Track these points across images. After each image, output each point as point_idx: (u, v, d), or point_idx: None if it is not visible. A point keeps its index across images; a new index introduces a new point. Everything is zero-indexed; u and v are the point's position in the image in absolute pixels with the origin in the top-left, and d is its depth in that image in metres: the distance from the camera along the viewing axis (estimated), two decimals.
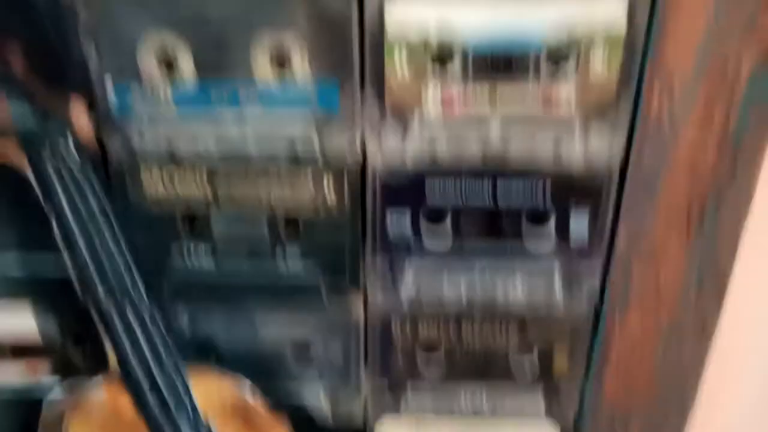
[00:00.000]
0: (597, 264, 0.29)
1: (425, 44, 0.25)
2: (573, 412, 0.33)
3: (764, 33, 0.24)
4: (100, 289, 0.29)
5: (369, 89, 0.26)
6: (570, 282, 0.29)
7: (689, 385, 0.32)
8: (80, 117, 0.26)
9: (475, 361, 0.32)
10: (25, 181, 0.28)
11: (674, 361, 0.31)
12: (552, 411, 0.33)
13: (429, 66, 0.25)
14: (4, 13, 0.24)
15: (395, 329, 0.31)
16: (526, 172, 0.27)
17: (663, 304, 0.30)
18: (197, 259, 0.29)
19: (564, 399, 0.32)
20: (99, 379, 0.31)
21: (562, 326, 0.30)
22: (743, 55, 0.25)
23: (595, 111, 0.26)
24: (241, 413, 0.33)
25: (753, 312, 0.31)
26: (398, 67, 0.25)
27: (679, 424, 0.33)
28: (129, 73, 0.26)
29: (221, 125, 0.27)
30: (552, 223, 0.28)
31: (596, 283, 0.29)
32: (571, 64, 0.25)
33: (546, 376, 0.32)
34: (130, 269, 0.29)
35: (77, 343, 0.33)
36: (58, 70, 0.26)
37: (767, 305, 0.31)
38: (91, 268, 0.29)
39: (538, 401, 0.33)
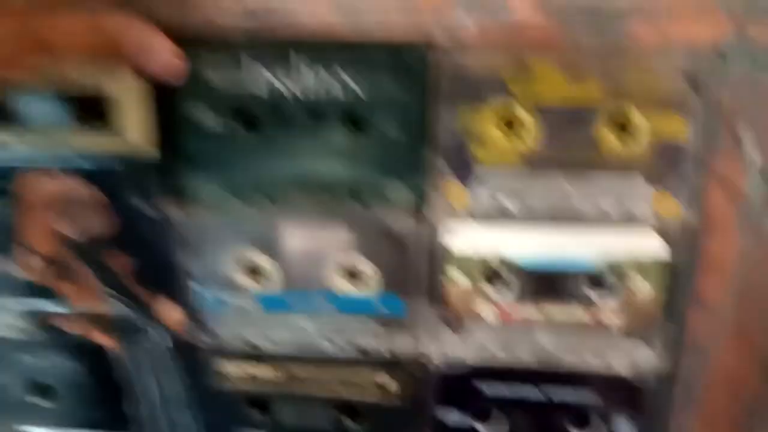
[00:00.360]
0: None
1: (481, 264, 0.28)
2: None
3: None
4: None
5: (430, 299, 0.29)
6: None
7: None
8: (172, 313, 0.30)
9: None
10: (112, 361, 0.31)
11: None
12: None
13: (484, 282, 0.28)
14: (120, 236, 0.28)
15: None
16: (574, 376, 0.30)
17: None
18: None
19: None
20: None
21: None
22: None
23: (638, 328, 0.28)
24: None
25: None
26: (456, 282, 0.28)
27: None
28: (218, 281, 0.29)
29: (297, 325, 0.30)
30: (598, 423, 0.30)
31: None
32: (614, 287, 0.28)
33: None
34: None
35: None
36: (158, 276, 0.29)
37: None
38: None
39: None
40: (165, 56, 0.24)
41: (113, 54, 0.23)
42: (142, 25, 0.24)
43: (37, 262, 0.29)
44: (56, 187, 0.28)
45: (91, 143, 0.27)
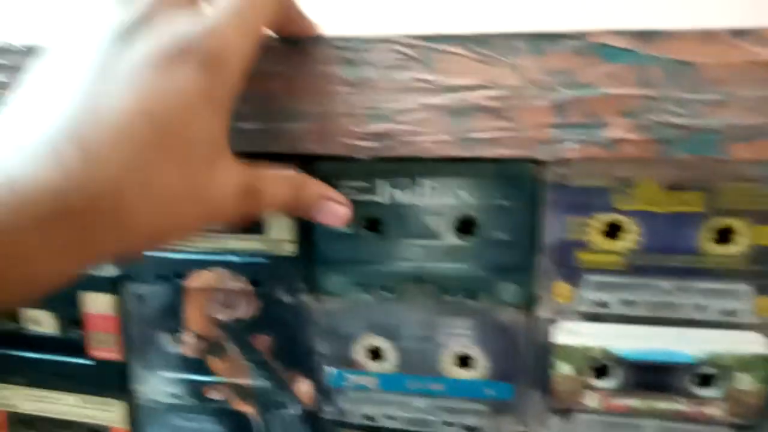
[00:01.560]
0: None
1: (586, 357, 0.30)
2: None
3: None
4: None
5: (538, 387, 0.31)
6: None
7: None
8: (304, 387, 0.34)
9: None
10: (252, 426, 0.36)
11: None
12: None
13: (589, 374, 0.30)
14: (262, 319, 0.33)
15: None
16: None
17: None
18: None
19: None
20: None
21: None
22: None
23: (744, 420, 0.29)
24: None
25: None
26: (562, 373, 0.31)
27: None
28: (344, 360, 0.33)
29: (412, 404, 0.33)
30: None
31: None
32: (718, 383, 0.29)
33: None
34: None
35: None
36: (293, 354, 0.34)
37: None
38: None
39: None
40: (340, 210, 0.29)
41: (293, 208, 0.28)
42: (320, 182, 0.29)
43: (192, 340, 0.34)
44: (212, 279, 0.33)
45: (242, 244, 0.32)
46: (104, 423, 0.37)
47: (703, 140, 0.27)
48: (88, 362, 0.36)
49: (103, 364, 0.36)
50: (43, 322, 0.37)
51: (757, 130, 0.26)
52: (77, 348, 0.36)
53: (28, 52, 0.31)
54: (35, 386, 0.38)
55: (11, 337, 0.37)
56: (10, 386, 0.39)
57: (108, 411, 0.37)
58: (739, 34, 0.26)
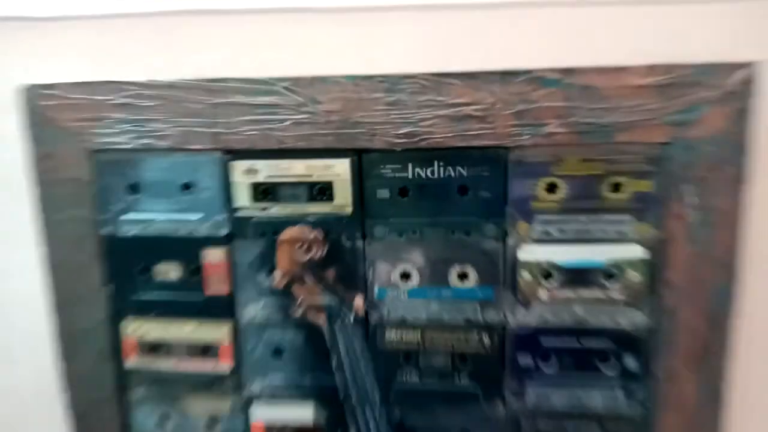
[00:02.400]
0: (644, 385, 0.50)
1: (539, 267, 0.49)
2: None
3: None
4: (353, 395, 0.53)
5: (509, 289, 0.50)
6: (628, 394, 0.50)
7: None
8: (358, 302, 0.51)
9: None
10: (320, 333, 0.53)
11: None
12: None
13: (540, 278, 0.49)
14: (330, 257, 0.50)
15: (524, 424, 0.52)
16: (598, 331, 0.50)
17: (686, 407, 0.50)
18: (410, 378, 0.53)
19: None
20: None
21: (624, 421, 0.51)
22: None
23: (634, 301, 0.48)
24: None
25: None
26: (524, 278, 0.49)
27: None
28: (385, 282, 0.51)
29: (429, 307, 0.51)
30: (614, 360, 0.50)
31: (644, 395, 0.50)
32: (617, 278, 0.48)
33: None
34: (372, 384, 0.53)
35: (332, 429, 0.56)
36: (350, 280, 0.51)
37: None
38: (350, 383, 0.53)
39: None
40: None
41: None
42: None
43: (281, 276, 0.51)
44: (297, 232, 0.50)
45: (318, 207, 0.49)
46: (215, 341, 0.54)
47: (602, 131, 0.46)
48: (204, 298, 0.53)
49: (215, 298, 0.53)
50: (171, 272, 0.53)
51: (632, 125, 0.45)
52: (196, 288, 0.52)
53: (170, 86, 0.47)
54: (161, 319, 0.54)
55: (145, 284, 0.53)
56: (142, 321, 0.54)
57: (218, 332, 0.54)
58: (622, 69, 0.44)
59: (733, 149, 0.45)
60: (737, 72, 0.44)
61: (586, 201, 0.48)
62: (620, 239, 0.48)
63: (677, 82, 0.45)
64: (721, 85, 0.44)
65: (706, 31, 0.46)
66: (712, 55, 0.45)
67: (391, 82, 0.46)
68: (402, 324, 0.52)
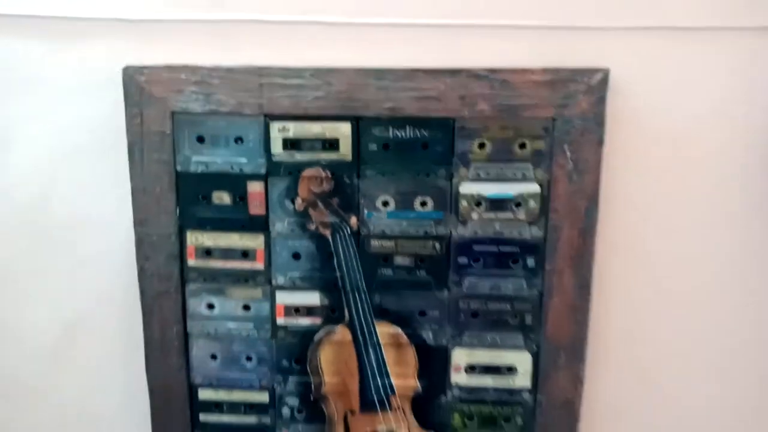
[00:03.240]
0: (539, 277, 0.77)
1: (473, 197, 0.74)
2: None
3: None
4: (348, 285, 0.78)
5: (453, 213, 0.75)
6: (529, 283, 0.77)
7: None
8: (353, 221, 0.76)
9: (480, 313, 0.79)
10: (326, 242, 0.78)
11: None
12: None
13: (474, 205, 0.75)
14: (336, 190, 0.75)
15: (461, 304, 0.78)
16: (510, 240, 0.76)
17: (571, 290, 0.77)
18: (387, 273, 0.78)
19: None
20: (338, 327, 0.79)
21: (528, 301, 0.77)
22: None
23: (533, 220, 0.75)
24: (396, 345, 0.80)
25: None
26: (463, 205, 0.75)
27: None
28: (372, 207, 0.76)
29: (401, 225, 0.76)
30: (520, 260, 0.76)
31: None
32: (522, 206, 0.74)
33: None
34: (361, 277, 0.78)
35: (333, 311, 0.81)
36: (348, 204, 0.76)
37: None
38: (345, 277, 0.78)
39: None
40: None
41: None
42: None
43: (301, 201, 0.75)
44: (314, 172, 0.74)
45: (328, 155, 0.74)
46: (253, 248, 0.78)
47: (513, 110, 0.72)
48: (247, 217, 0.76)
49: (255, 217, 0.77)
50: (224, 198, 0.76)
51: (532, 106, 0.71)
52: (242, 210, 0.76)
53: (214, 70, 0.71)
54: (215, 232, 0.78)
55: (204, 206, 0.77)
56: (200, 232, 0.78)
57: (255, 241, 0.78)
58: (527, 70, 0.70)
59: (595, 123, 0.72)
60: (597, 74, 0.71)
61: (503, 155, 0.74)
62: (524, 180, 0.74)
63: (561, 79, 0.71)
64: (587, 82, 0.71)
65: (578, 46, 0.72)
66: (582, 62, 0.72)
67: (379, 73, 0.71)
68: (382, 236, 0.77)
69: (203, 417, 0.83)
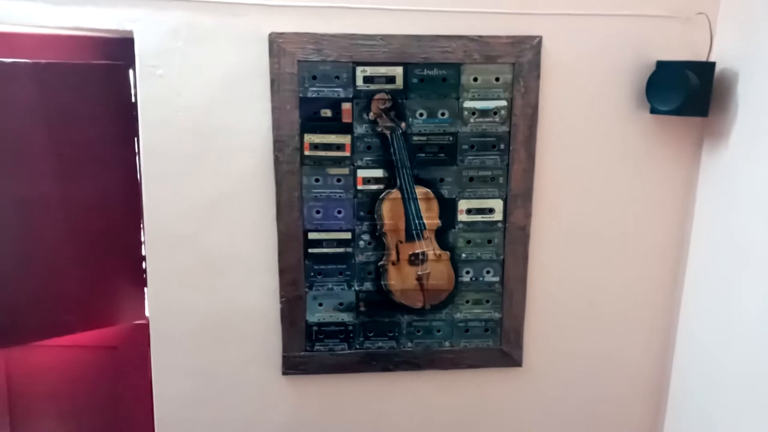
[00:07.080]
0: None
1: (471, 109, 1.31)
2: None
3: None
4: (398, 162, 1.35)
5: (460, 118, 1.32)
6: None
7: None
8: (403, 125, 1.31)
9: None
10: (387, 138, 1.33)
11: None
12: None
13: (471, 114, 1.32)
14: (392, 105, 1.29)
15: (464, 173, 1.35)
16: (490, 134, 1.34)
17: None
18: (422, 156, 1.34)
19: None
20: (393, 190, 1.35)
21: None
22: None
23: (503, 121, 1.33)
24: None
25: None
26: (466, 114, 1.32)
27: None
28: (414, 116, 1.31)
29: (431, 125, 1.32)
30: (496, 146, 1.34)
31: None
32: (497, 113, 1.32)
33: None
34: (406, 159, 1.35)
35: (389, 180, 1.35)
36: (401, 115, 1.31)
37: None
38: (397, 158, 1.35)
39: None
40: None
41: None
42: None
43: (372, 114, 1.30)
44: (380, 95, 1.29)
45: (388, 86, 1.28)
46: (342, 143, 1.31)
47: (491, 58, 1.30)
48: (340, 124, 1.30)
49: (344, 123, 1.31)
50: (327, 112, 1.29)
51: (504, 55, 1.29)
52: (337, 119, 1.30)
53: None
54: (321, 133, 1.30)
55: (314, 118, 1.29)
56: (312, 134, 1.30)
57: (344, 139, 1.31)
58: (501, 37, 1.28)
59: (536, 66, 1.31)
60: (536, 38, 1.30)
61: (487, 84, 1.32)
62: (498, 98, 1.33)
63: (517, 41, 1.30)
64: (531, 43, 1.30)
65: (526, 23, 1.30)
66: (528, 32, 1.30)
67: (418, 38, 1.26)
68: (419, 134, 1.33)
69: (311, 250, 1.37)
